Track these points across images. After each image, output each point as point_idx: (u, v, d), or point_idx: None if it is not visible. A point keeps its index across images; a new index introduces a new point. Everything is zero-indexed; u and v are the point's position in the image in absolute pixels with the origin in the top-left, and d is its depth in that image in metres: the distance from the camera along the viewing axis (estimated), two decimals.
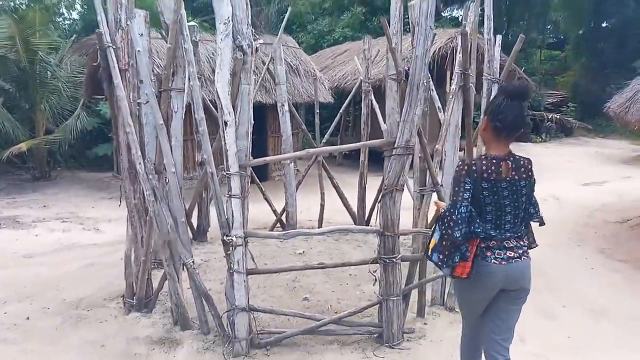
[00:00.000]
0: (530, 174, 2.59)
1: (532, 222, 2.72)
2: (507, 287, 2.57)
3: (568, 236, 6.72)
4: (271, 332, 3.82)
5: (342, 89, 12.74)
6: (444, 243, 2.51)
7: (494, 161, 2.52)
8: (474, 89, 4.73)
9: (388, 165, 3.67)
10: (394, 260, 3.71)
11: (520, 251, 2.58)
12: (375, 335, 3.81)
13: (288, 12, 7.09)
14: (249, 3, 3.40)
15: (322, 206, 7.06)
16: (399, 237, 3.75)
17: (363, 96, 6.74)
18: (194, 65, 3.64)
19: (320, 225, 6.89)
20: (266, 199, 6.95)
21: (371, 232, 4.35)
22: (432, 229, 2.65)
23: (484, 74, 4.97)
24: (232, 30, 3.34)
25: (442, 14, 22.56)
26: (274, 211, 6.92)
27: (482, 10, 4.72)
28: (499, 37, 5.14)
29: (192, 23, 5.69)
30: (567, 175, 11.39)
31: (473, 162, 2.57)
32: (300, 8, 17.69)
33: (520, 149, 14.04)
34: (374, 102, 6.51)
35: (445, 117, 4.54)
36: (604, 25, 24.11)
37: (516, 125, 2.53)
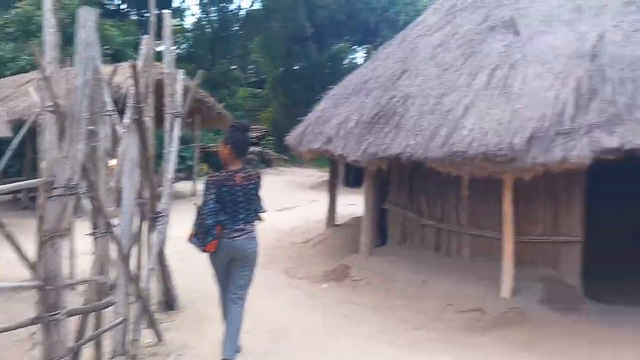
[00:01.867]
0: (257, 180, 3.92)
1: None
2: (235, 256, 3.84)
3: (260, 261, 7.19)
4: None
5: (24, 121, 11.15)
6: (201, 229, 3.72)
7: (231, 174, 3.78)
8: (150, 122, 4.64)
9: (48, 207, 3.22)
10: (58, 317, 3.25)
11: (244, 233, 3.83)
12: None
13: None
14: None
15: None
16: (63, 290, 3.31)
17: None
18: None
19: None
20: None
21: (29, 288, 3.74)
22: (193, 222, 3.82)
23: (164, 108, 4.93)
24: None
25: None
26: None
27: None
28: (180, 72, 5.18)
29: None
30: (265, 203, 12.39)
31: (216, 175, 3.84)
32: None
33: None
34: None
35: (119, 153, 4.30)
36: (295, 68, 27.61)
37: (247, 149, 3.97)
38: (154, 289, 4.68)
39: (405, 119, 5.68)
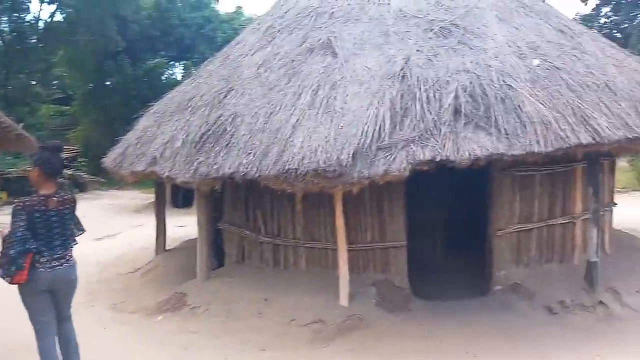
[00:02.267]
0: (72, 204, 3.79)
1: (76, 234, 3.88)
2: (58, 287, 3.66)
3: (81, 298, 6.43)
4: None
5: None
6: (3, 259, 3.45)
7: (43, 198, 3.58)
8: None
9: None
10: None
11: (65, 260, 3.68)
12: None
13: None
14: None
15: None
16: None
17: None
18: None
19: None
20: None
21: None
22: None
23: None
24: None
25: None
26: None
27: None
28: None
29: None
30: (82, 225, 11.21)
31: (27, 200, 3.56)
32: None
33: None
34: None
35: None
36: (107, 83, 25.66)
37: (60, 170, 3.83)
38: None
39: (235, 137, 5.62)
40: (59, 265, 3.62)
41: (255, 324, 5.11)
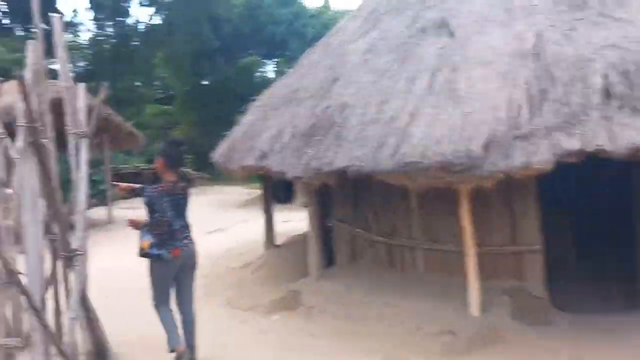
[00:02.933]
0: (186, 192, 4.21)
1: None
2: (187, 262, 4.11)
3: (198, 292, 6.52)
4: None
5: None
6: (164, 237, 3.88)
7: (171, 184, 4.06)
8: (51, 145, 3.92)
9: None
10: None
11: (189, 240, 4.15)
12: None
13: None
14: None
15: None
16: None
17: None
18: None
19: None
20: None
21: None
22: (140, 234, 3.94)
23: (65, 127, 4.20)
24: None
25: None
26: None
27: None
28: (81, 86, 4.47)
29: None
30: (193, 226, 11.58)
31: (162, 185, 4.02)
32: None
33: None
34: None
35: (15, 184, 3.53)
36: (204, 83, 26.63)
37: (180, 162, 4.33)
38: (79, 339, 3.91)
39: (346, 129, 5.31)
40: (188, 243, 4.09)
41: (377, 329, 4.77)
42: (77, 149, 4.15)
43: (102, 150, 12.87)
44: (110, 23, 24.66)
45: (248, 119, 7.18)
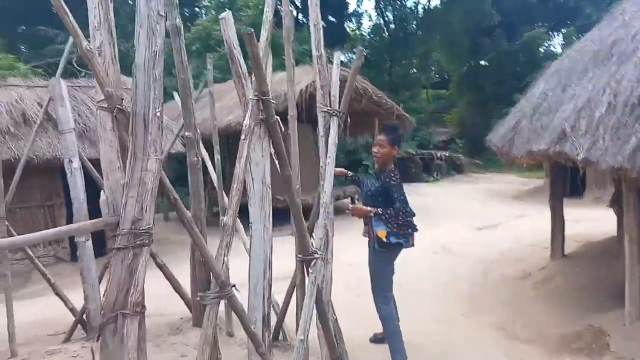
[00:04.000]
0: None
1: None
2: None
3: (461, 306, 5.31)
4: None
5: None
6: (403, 226, 3.67)
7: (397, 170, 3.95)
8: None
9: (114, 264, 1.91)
10: None
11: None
12: None
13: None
14: None
15: None
16: None
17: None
18: None
19: None
20: (57, 294, 4.90)
21: None
22: (370, 225, 3.71)
23: (318, 104, 3.48)
24: None
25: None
26: (71, 309, 4.88)
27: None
28: (337, 55, 3.75)
29: None
30: (459, 218, 10.33)
31: (399, 175, 3.84)
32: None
33: (412, 189, 13.01)
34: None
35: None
36: (482, 63, 24.84)
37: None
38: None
39: None
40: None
41: None
42: (327, 129, 3.39)
43: (373, 133, 12.70)
44: (390, 7, 25.01)
45: (538, 90, 5.56)
